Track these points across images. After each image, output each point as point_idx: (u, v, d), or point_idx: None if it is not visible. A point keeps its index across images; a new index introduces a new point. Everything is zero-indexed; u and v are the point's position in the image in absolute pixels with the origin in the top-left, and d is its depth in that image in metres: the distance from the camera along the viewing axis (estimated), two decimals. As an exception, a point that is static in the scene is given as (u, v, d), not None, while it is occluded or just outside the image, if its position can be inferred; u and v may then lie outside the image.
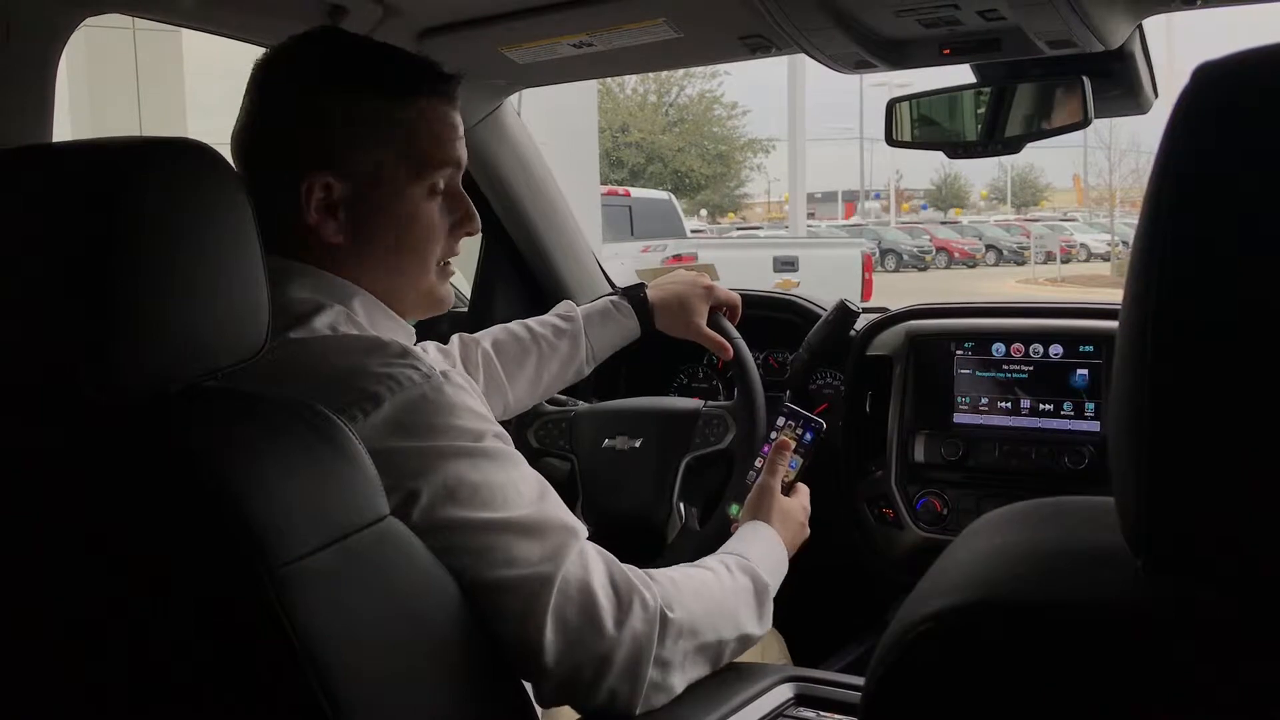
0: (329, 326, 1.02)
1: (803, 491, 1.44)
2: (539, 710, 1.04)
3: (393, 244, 1.10)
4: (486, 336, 1.61)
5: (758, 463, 1.49)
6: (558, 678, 0.97)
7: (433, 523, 0.92)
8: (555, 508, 1.01)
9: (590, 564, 1.00)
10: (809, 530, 1.40)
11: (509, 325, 1.64)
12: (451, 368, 1.03)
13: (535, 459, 1.79)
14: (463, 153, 1.13)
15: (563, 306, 1.69)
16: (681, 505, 1.74)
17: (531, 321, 1.65)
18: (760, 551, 1.26)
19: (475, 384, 1.03)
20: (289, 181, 1.06)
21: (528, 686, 1.05)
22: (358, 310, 1.06)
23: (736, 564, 1.20)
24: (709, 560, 1.19)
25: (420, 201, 1.10)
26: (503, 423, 1.08)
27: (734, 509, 1.43)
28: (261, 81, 1.11)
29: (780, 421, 1.51)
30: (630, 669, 0.99)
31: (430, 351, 1.40)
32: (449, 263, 1.17)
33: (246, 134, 1.10)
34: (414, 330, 1.15)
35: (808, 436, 1.48)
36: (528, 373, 1.61)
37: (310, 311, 1.02)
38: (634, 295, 1.69)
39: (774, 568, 1.26)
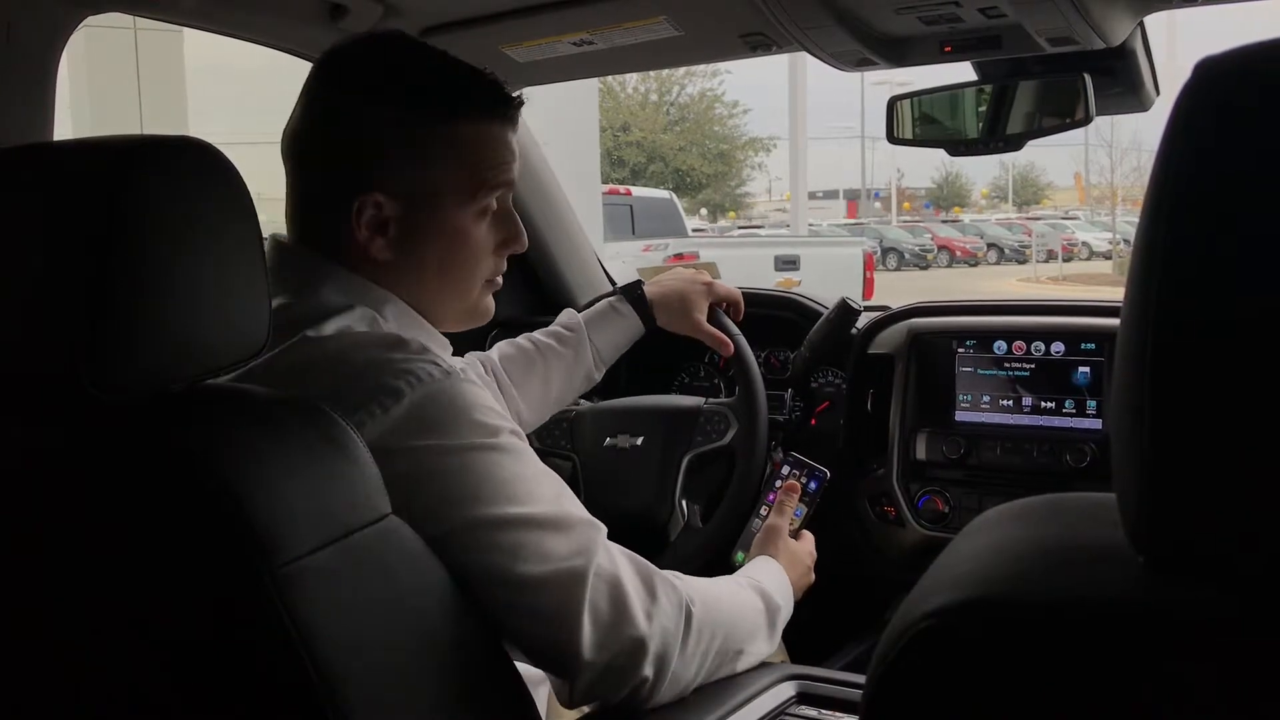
0: (348, 327, 1.02)
1: (808, 539, 1.45)
2: (540, 709, 1.04)
3: (440, 263, 1.09)
4: (494, 351, 1.61)
5: (763, 510, 1.50)
6: (594, 672, 0.97)
7: (459, 520, 0.92)
8: (575, 504, 1.02)
9: (616, 558, 1.00)
10: (814, 577, 1.41)
11: (514, 340, 1.64)
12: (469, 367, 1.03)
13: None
14: (516, 173, 1.12)
15: (564, 315, 1.68)
16: (683, 503, 1.74)
17: (536, 334, 1.65)
18: (769, 579, 1.26)
19: (491, 383, 1.03)
20: (340, 192, 1.05)
21: (540, 695, 1.05)
22: (388, 316, 1.06)
23: (748, 583, 1.20)
24: (721, 578, 1.19)
25: (470, 222, 1.09)
26: None
27: (739, 556, 1.45)
28: (321, 83, 1.09)
29: (785, 470, 1.53)
30: (660, 659, 1.00)
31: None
32: (495, 279, 1.16)
33: (300, 135, 1.09)
34: (448, 341, 1.14)
35: (812, 485, 1.50)
36: (536, 384, 1.60)
37: (337, 312, 1.02)
38: (632, 292, 1.69)
39: (784, 597, 1.26)
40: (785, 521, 1.41)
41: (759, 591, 1.19)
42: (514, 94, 1.11)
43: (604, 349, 1.65)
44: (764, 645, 1.16)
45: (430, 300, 1.10)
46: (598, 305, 1.70)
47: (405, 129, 1.05)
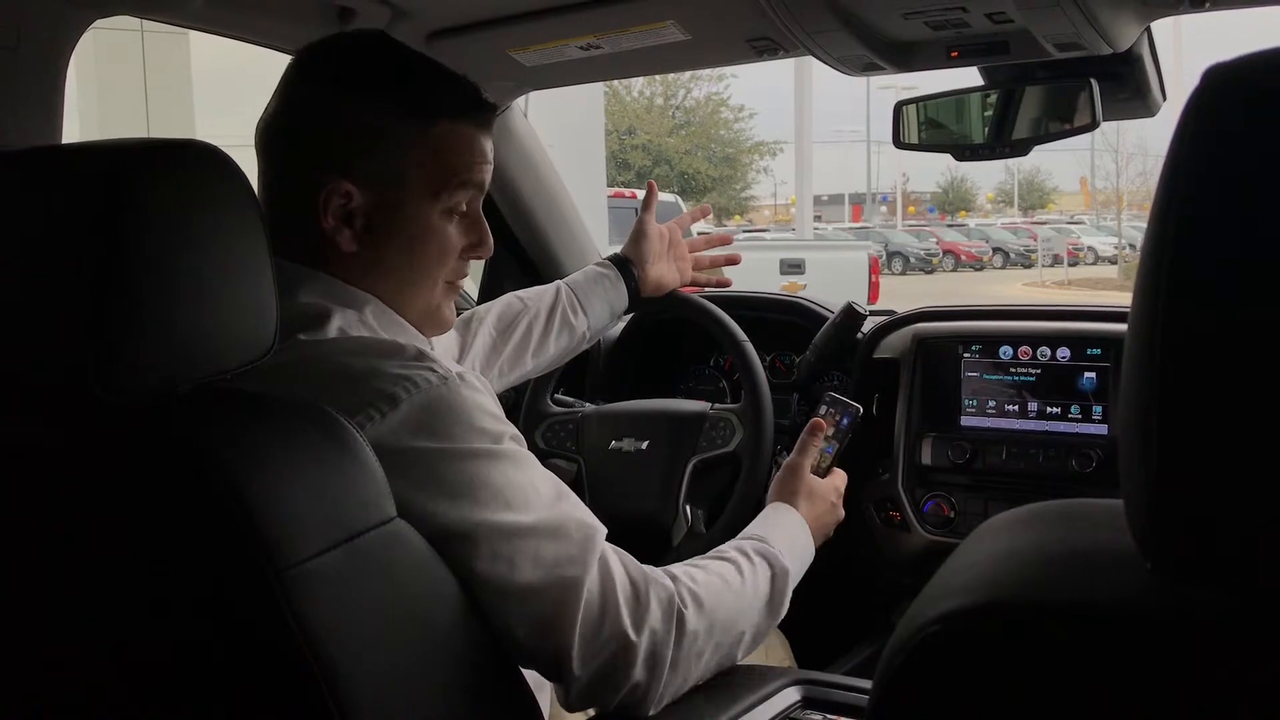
0: (340, 330, 1.02)
1: (840, 475, 1.43)
2: (544, 712, 1.04)
3: (403, 258, 1.09)
4: (484, 310, 1.64)
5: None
6: (584, 679, 0.97)
7: (455, 526, 0.92)
8: (574, 507, 1.01)
9: (611, 564, 1.00)
10: (843, 511, 1.39)
11: (495, 300, 1.67)
12: (468, 370, 1.02)
13: (542, 460, 1.79)
14: (486, 176, 1.12)
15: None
16: (688, 508, 1.74)
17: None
18: (783, 536, 1.24)
19: (487, 382, 1.03)
20: (307, 181, 1.05)
21: (543, 697, 1.05)
22: (368, 316, 1.06)
23: (755, 549, 1.19)
24: (728, 549, 1.17)
25: (436, 220, 1.09)
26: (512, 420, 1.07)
27: None
28: (296, 77, 1.09)
29: (822, 409, 1.50)
30: (651, 663, 0.99)
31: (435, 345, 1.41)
32: (456, 283, 1.17)
33: (270, 133, 1.08)
34: (428, 340, 1.14)
35: (844, 421, 1.48)
36: (520, 329, 1.63)
37: (320, 315, 1.02)
38: (614, 257, 1.75)
39: (797, 552, 1.24)
40: (806, 460, 1.39)
41: (766, 556, 1.18)
42: (490, 100, 1.12)
43: (579, 289, 1.69)
44: (769, 620, 1.15)
45: (393, 299, 1.10)
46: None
47: (377, 123, 1.05)
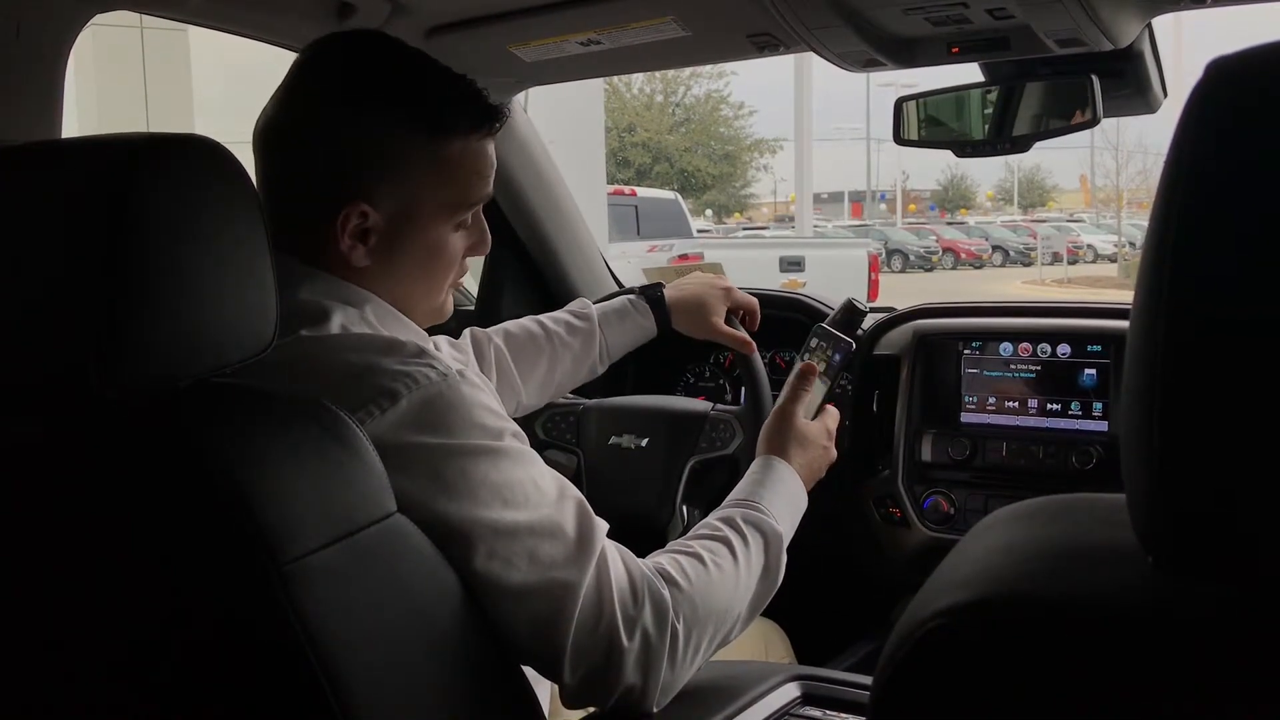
0: (342, 327, 1.01)
1: (831, 414, 1.42)
2: (544, 708, 1.04)
3: (415, 269, 1.10)
4: (499, 332, 1.58)
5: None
6: (576, 682, 0.97)
7: (453, 523, 0.92)
8: (576, 506, 1.00)
9: (611, 564, 0.99)
10: (835, 453, 1.39)
11: (521, 321, 1.62)
12: (466, 365, 1.02)
13: (540, 451, 1.78)
14: (493, 183, 1.13)
15: (577, 304, 1.66)
16: (684, 508, 1.73)
17: (545, 318, 1.62)
18: (774, 494, 1.24)
19: (489, 382, 1.02)
20: (324, 198, 1.04)
21: (542, 692, 1.05)
22: (369, 314, 1.06)
23: (745, 517, 1.18)
24: (721, 526, 1.16)
25: (448, 233, 1.11)
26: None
27: None
28: (300, 83, 1.08)
29: (813, 343, 1.47)
30: (642, 669, 0.99)
31: (442, 347, 1.39)
32: (459, 280, 1.18)
33: (279, 131, 1.07)
34: (427, 335, 1.15)
35: (836, 358, 1.44)
36: (540, 370, 1.58)
37: (322, 312, 1.02)
38: (652, 295, 1.66)
39: (790, 509, 1.24)
40: (796, 407, 1.37)
41: (757, 525, 1.17)
42: (498, 104, 1.11)
43: (613, 346, 1.63)
44: (767, 590, 1.15)
45: (400, 302, 1.10)
46: (614, 301, 1.67)
47: (393, 142, 1.04)
